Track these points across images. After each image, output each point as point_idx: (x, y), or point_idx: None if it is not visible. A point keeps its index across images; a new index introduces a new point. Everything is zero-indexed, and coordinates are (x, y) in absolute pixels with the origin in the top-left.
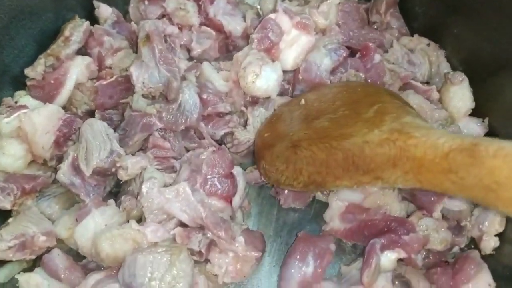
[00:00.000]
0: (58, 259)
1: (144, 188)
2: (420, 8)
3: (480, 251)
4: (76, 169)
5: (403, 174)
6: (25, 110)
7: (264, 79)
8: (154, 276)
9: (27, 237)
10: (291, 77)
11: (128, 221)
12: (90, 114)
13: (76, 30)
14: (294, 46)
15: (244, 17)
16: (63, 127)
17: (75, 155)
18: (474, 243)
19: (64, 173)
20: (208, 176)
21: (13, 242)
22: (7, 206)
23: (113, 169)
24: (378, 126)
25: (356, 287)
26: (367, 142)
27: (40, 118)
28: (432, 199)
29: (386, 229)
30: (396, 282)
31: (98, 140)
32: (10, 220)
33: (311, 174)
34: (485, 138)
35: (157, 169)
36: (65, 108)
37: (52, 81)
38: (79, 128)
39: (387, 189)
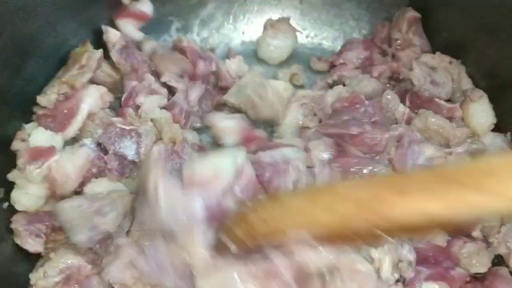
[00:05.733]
0: None
1: None
2: (446, 25)
3: (508, 267)
4: None
5: None
6: (55, 158)
7: None
8: None
9: (73, 269)
10: None
11: None
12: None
13: (91, 59)
14: None
15: None
16: (93, 168)
17: None
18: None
19: None
20: None
21: (60, 277)
22: (40, 249)
23: None
24: None
25: None
26: None
27: (72, 167)
28: None
29: (433, 261)
30: None
31: None
32: (51, 255)
33: None
34: None
35: None
36: (74, 139)
37: (65, 111)
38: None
39: None
